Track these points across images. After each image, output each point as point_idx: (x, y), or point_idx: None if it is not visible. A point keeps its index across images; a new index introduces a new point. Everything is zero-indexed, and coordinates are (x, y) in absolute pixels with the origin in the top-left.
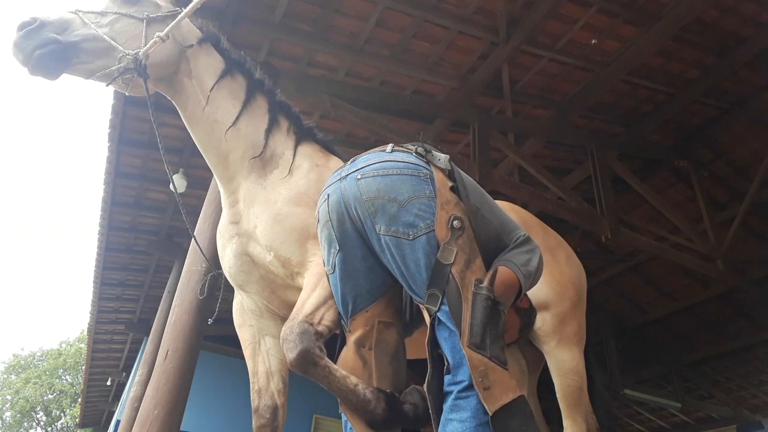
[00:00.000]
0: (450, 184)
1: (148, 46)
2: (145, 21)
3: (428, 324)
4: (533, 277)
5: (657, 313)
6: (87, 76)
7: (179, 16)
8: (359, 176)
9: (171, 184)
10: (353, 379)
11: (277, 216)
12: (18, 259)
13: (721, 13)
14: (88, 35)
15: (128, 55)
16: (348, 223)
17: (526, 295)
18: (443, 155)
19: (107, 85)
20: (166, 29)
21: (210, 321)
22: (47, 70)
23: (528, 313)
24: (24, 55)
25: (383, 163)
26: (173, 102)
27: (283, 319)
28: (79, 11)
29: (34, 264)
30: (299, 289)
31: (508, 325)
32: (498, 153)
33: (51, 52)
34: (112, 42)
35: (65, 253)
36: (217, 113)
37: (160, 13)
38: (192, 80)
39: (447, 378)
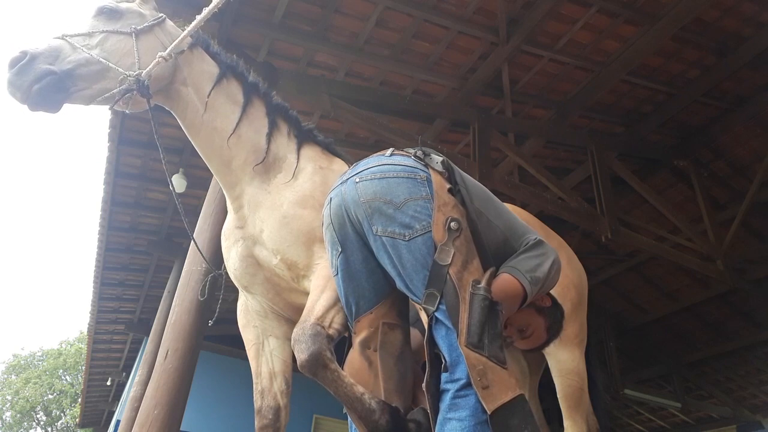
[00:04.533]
0: (448, 186)
1: (150, 66)
2: (133, 35)
3: (426, 324)
4: (543, 283)
5: (657, 313)
6: (88, 102)
7: (182, 35)
8: (357, 179)
9: (170, 184)
10: (360, 388)
11: (283, 219)
12: (18, 259)
13: (721, 13)
14: (81, 60)
15: (130, 76)
16: (348, 225)
17: (550, 294)
18: (440, 158)
19: (110, 109)
20: (168, 49)
21: (210, 323)
22: (48, 103)
23: (552, 311)
24: (22, 93)
25: (381, 166)
26: (172, 112)
27: (287, 319)
28: (66, 36)
29: (34, 264)
30: (303, 292)
31: (533, 327)
32: (498, 153)
33: (49, 84)
34: (108, 63)
35: (65, 253)
36: (216, 120)
37: (146, 24)
38: (188, 87)
39: (444, 376)
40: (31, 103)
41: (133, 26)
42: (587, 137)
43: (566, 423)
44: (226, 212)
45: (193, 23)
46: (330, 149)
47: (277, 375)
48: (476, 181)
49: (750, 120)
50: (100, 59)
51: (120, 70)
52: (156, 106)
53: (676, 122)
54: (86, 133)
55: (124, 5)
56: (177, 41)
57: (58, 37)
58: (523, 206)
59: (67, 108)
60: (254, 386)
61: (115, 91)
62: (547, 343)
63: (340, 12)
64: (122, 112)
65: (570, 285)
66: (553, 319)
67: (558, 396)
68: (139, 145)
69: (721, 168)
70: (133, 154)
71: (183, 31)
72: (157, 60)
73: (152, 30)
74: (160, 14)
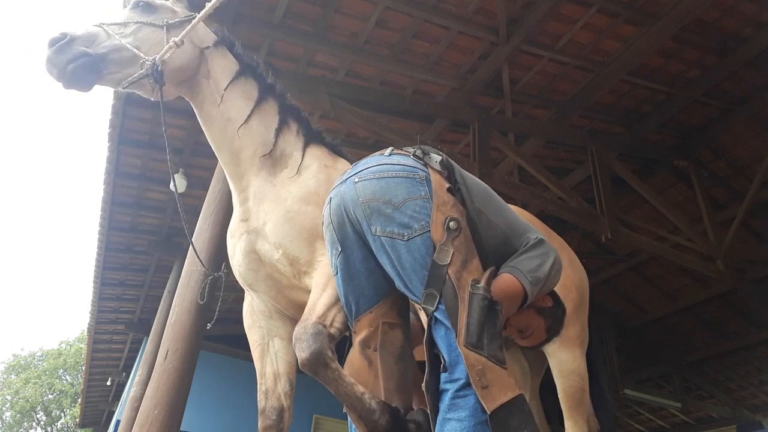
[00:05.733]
0: (447, 185)
1: (163, 51)
2: (164, 27)
3: (425, 324)
4: (544, 283)
5: (657, 313)
6: (116, 86)
7: (193, 22)
8: (357, 179)
9: (172, 183)
10: (360, 388)
11: (286, 214)
12: (18, 259)
13: (721, 13)
14: (115, 46)
15: (147, 61)
16: (348, 225)
17: (553, 292)
18: (440, 157)
19: (130, 90)
20: (182, 34)
21: (209, 326)
22: (81, 82)
23: (553, 311)
24: (58, 70)
25: (380, 166)
26: (192, 103)
27: (292, 320)
28: (103, 24)
29: (34, 264)
30: (305, 289)
31: (533, 328)
32: (498, 153)
33: (83, 64)
34: (136, 51)
35: (65, 253)
36: (230, 112)
37: (177, 19)
38: (209, 80)
39: (443, 376)
40: (66, 81)
41: (166, 20)
42: (587, 137)
43: (567, 423)
44: (226, 212)
45: (203, 11)
46: (336, 150)
47: (281, 376)
48: (477, 179)
49: (750, 120)
50: (130, 47)
51: (142, 55)
52: (157, 102)
53: (676, 122)
54: (86, 133)
55: (158, 1)
56: (189, 28)
57: (96, 25)
58: (523, 206)
59: (71, 105)
60: (258, 387)
61: (135, 75)
62: (546, 342)
63: (340, 12)
64: (123, 112)
65: (571, 286)
66: (554, 318)
67: (559, 396)
68: (139, 145)
69: (721, 168)
70: (133, 154)
71: (210, 31)
72: (169, 44)
73: (182, 26)
74: (191, 13)
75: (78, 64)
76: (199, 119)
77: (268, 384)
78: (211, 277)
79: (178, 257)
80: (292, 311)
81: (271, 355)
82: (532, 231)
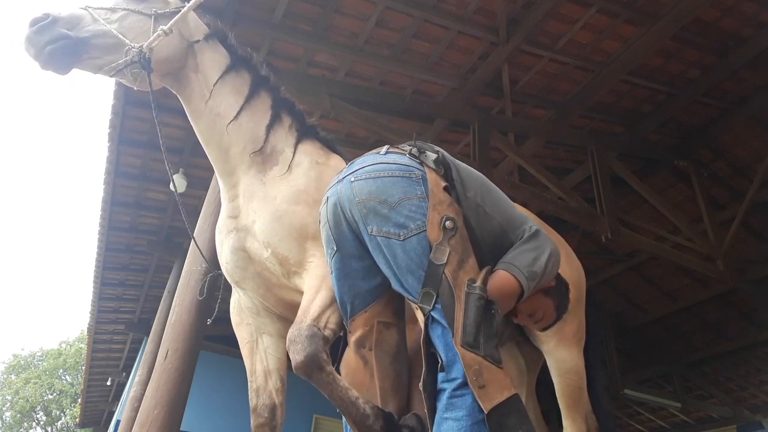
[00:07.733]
0: (443, 184)
1: (151, 39)
2: (153, 17)
3: (422, 323)
4: (540, 277)
5: (657, 313)
6: (95, 71)
7: (183, 11)
8: (353, 179)
9: (171, 183)
10: (355, 392)
11: (275, 213)
12: (18, 259)
13: (721, 13)
14: (98, 31)
15: (133, 48)
16: (344, 224)
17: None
18: (435, 155)
19: (111, 76)
20: (170, 23)
21: (209, 321)
22: (58, 64)
23: (557, 289)
24: (36, 50)
25: (376, 165)
26: (179, 97)
27: (280, 316)
28: (90, 7)
29: (34, 264)
30: (294, 289)
31: (542, 310)
32: (498, 153)
33: (62, 47)
34: (121, 37)
35: (65, 253)
36: (219, 107)
37: (167, 10)
38: (198, 74)
39: (440, 375)
40: (42, 62)
41: (155, 10)
42: (587, 137)
43: (565, 422)
44: None
45: (193, 1)
46: (329, 146)
47: (272, 373)
48: (473, 171)
49: (750, 120)
50: (117, 33)
51: (128, 42)
52: (156, 101)
53: (676, 122)
54: (86, 133)
55: None
56: (178, 16)
57: (83, 8)
58: (523, 206)
59: (71, 105)
60: (249, 384)
61: (120, 62)
62: (558, 320)
63: (340, 12)
64: (123, 112)
65: (569, 283)
66: (561, 296)
67: (557, 395)
68: (139, 145)
69: (721, 168)
70: (133, 154)
71: (202, 23)
72: (158, 33)
73: (172, 17)
74: (183, 3)
75: (56, 46)
76: (187, 113)
77: (258, 381)
78: (211, 274)
79: (178, 257)
80: (280, 309)
81: (261, 352)
82: (528, 222)
